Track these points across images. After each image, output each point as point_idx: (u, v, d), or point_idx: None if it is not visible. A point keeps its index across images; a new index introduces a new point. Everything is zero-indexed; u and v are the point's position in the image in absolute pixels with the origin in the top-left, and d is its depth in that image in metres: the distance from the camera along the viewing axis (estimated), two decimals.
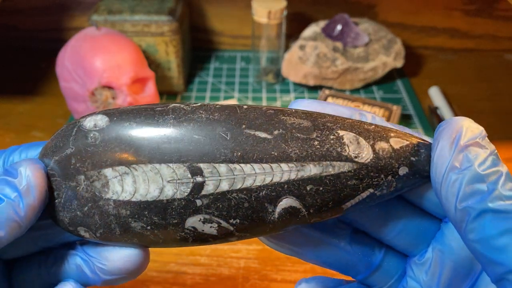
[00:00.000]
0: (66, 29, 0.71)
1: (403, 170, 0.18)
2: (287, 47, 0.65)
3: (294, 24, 0.69)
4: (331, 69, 0.61)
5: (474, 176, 0.16)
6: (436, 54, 0.73)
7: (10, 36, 0.72)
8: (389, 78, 0.65)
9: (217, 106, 0.19)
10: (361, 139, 0.19)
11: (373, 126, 0.19)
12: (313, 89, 0.64)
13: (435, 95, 0.61)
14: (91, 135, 0.19)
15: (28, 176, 0.18)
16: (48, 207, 0.19)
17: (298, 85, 0.65)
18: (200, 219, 0.19)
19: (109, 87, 0.48)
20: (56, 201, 0.19)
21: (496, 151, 0.16)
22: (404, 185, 0.19)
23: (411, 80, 0.66)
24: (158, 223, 0.19)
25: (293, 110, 0.19)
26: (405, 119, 0.58)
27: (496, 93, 0.64)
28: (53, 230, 0.21)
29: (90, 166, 0.19)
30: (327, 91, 0.57)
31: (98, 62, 0.47)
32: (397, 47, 0.63)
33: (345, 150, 0.18)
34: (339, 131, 0.19)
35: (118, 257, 0.20)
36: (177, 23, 0.56)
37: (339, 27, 0.62)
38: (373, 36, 0.63)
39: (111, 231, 0.19)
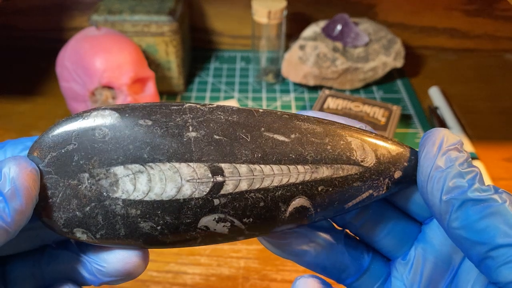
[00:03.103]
0: (66, 29, 0.71)
1: (398, 174, 0.20)
2: (287, 47, 0.65)
3: (294, 24, 0.69)
4: (331, 69, 0.61)
5: (456, 174, 0.18)
6: (436, 54, 0.73)
7: (10, 36, 0.72)
8: (389, 78, 0.65)
9: (234, 108, 0.20)
10: (366, 145, 0.20)
11: (373, 134, 0.21)
12: (313, 89, 0.64)
13: (435, 95, 0.61)
14: (99, 131, 0.18)
15: (13, 178, 0.17)
16: (37, 208, 0.18)
17: (298, 85, 0.65)
18: (215, 218, 0.19)
19: (109, 87, 0.48)
20: (50, 200, 0.18)
21: (470, 157, 0.19)
22: (396, 187, 0.20)
23: (411, 80, 0.66)
24: (170, 222, 0.18)
25: (306, 116, 0.20)
26: (405, 119, 0.58)
27: (496, 93, 0.64)
28: (46, 230, 0.20)
29: (97, 164, 0.18)
30: (327, 91, 0.57)
31: (98, 62, 0.47)
32: (397, 47, 0.63)
33: (354, 154, 0.20)
34: (347, 138, 0.20)
35: (118, 258, 0.19)
36: (177, 23, 0.56)
37: (339, 27, 0.62)
38: (373, 36, 0.63)
39: (115, 232, 0.18)
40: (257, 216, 0.19)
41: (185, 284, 0.39)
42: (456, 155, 0.19)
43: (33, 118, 0.58)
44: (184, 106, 0.19)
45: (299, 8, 0.69)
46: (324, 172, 0.20)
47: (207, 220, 0.19)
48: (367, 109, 0.54)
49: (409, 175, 0.20)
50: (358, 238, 0.23)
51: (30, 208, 0.17)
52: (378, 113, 0.53)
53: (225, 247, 0.42)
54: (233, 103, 0.60)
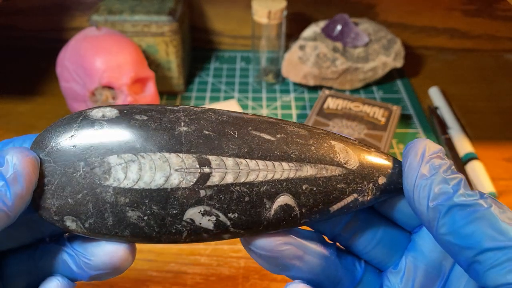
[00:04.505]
0: (66, 29, 0.71)
1: (382, 180, 0.21)
2: (287, 47, 0.65)
3: (294, 24, 0.69)
4: (331, 69, 0.61)
5: (441, 180, 0.18)
6: (436, 54, 0.73)
7: (10, 36, 0.72)
8: (389, 78, 0.66)
9: (225, 111, 0.21)
10: (349, 149, 0.21)
11: (357, 142, 0.22)
12: (313, 89, 0.64)
13: (435, 95, 0.62)
14: (98, 123, 0.19)
15: (15, 164, 0.18)
16: (33, 194, 0.19)
17: (298, 85, 0.65)
18: (200, 211, 0.19)
19: (109, 87, 0.48)
20: (46, 188, 0.19)
21: (453, 164, 0.19)
22: (381, 194, 0.21)
23: (411, 80, 0.66)
24: (157, 213, 0.19)
25: (291, 122, 0.22)
26: (405, 119, 0.58)
27: (496, 93, 0.64)
28: (45, 222, 0.20)
29: (93, 153, 0.19)
30: (327, 91, 0.58)
31: (98, 62, 0.47)
32: (396, 47, 0.63)
33: (337, 156, 0.21)
34: (331, 141, 0.21)
35: (104, 251, 0.19)
36: (177, 23, 0.57)
37: (339, 27, 0.62)
38: (373, 36, 0.63)
39: (103, 220, 0.19)
40: (242, 211, 0.19)
41: (185, 284, 0.39)
42: (439, 163, 0.19)
43: (33, 118, 0.58)
44: (178, 107, 0.21)
45: (299, 8, 0.69)
46: (308, 170, 0.20)
47: (193, 212, 0.19)
48: (367, 109, 0.54)
49: (393, 182, 0.21)
50: (348, 250, 0.23)
51: (30, 193, 0.18)
52: (378, 113, 0.54)
53: (225, 247, 0.42)
54: (233, 103, 0.60)
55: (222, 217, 0.19)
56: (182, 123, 0.20)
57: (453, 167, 0.19)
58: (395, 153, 0.53)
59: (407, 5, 0.69)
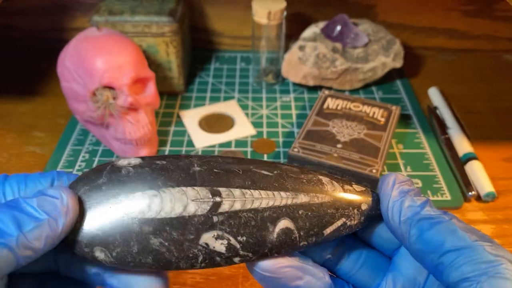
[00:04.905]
0: (67, 30, 0.71)
1: (364, 206, 0.25)
2: (287, 48, 0.65)
3: (294, 25, 0.69)
4: (330, 69, 0.61)
5: (410, 200, 0.22)
6: (435, 55, 0.73)
7: (10, 36, 0.72)
8: (388, 79, 0.66)
9: (230, 156, 0.25)
10: (334, 182, 0.25)
11: (340, 177, 0.26)
12: (313, 90, 0.64)
13: (434, 95, 0.62)
14: (125, 169, 0.23)
15: (68, 200, 0.21)
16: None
17: (298, 85, 0.65)
18: (214, 235, 0.22)
19: (110, 87, 0.48)
20: (78, 223, 0.21)
21: (420, 190, 0.24)
22: (365, 219, 0.25)
23: (410, 81, 0.67)
24: (176, 238, 0.22)
25: (285, 163, 0.26)
26: (404, 119, 0.58)
27: (496, 93, 0.64)
28: (64, 257, 0.23)
29: (121, 192, 0.22)
30: (326, 92, 0.58)
31: (98, 62, 0.47)
32: (396, 48, 0.63)
33: (325, 187, 0.25)
34: (319, 176, 0.25)
35: None
36: (177, 24, 0.57)
37: (338, 28, 0.62)
38: (372, 37, 0.64)
39: (129, 248, 0.21)
40: (249, 234, 0.22)
41: (185, 284, 0.39)
42: (407, 188, 0.23)
43: (33, 118, 0.58)
44: (191, 154, 0.24)
45: (298, 8, 0.69)
46: (303, 198, 0.24)
47: (208, 237, 0.22)
48: (366, 109, 0.54)
49: (374, 209, 0.25)
50: (336, 275, 0.26)
51: (72, 226, 0.21)
52: (377, 113, 0.54)
53: None
54: (233, 103, 0.60)
55: (233, 241, 0.22)
56: (196, 165, 0.24)
57: (420, 193, 0.23)
58: (394, 153, 0.53)
59: (407, 5, 0.69)
